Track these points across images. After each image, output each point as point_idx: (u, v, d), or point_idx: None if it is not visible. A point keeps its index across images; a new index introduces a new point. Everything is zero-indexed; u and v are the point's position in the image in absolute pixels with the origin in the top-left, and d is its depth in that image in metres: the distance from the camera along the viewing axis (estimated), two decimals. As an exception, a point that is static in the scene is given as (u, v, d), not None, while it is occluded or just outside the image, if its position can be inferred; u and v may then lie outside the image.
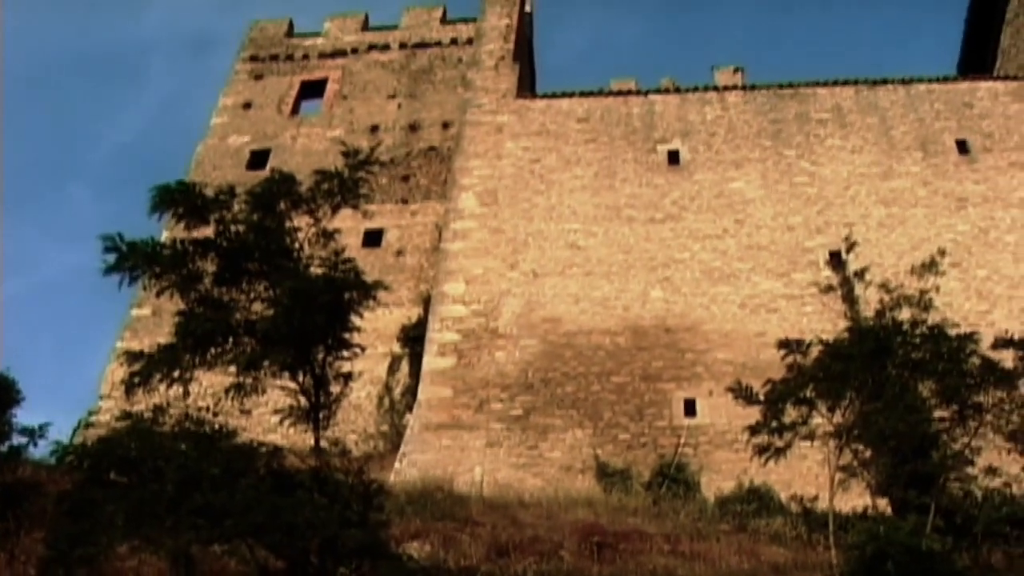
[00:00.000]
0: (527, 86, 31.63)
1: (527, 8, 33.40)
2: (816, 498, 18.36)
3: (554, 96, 28.85)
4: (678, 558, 15.77)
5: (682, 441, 21.15)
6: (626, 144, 27.15)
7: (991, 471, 17.45)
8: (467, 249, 24.50)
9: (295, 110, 34.91)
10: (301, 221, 13.23)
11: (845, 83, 29.16)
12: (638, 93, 28.81)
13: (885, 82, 29.13)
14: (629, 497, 18.79)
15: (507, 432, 21.26)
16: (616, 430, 21.37)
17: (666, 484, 19.60)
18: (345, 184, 13.35)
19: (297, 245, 13.05)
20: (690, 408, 21.86)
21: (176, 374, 12.31)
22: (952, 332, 16.67)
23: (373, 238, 29.08)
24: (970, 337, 16.61)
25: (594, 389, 22.05)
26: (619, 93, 28.82)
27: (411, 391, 23.41)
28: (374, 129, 32.70)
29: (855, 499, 17.64)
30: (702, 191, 26.13)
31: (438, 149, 31.37)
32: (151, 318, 27.07)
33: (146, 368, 12.24)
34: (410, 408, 22.84)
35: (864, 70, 79.80)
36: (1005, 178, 26.40)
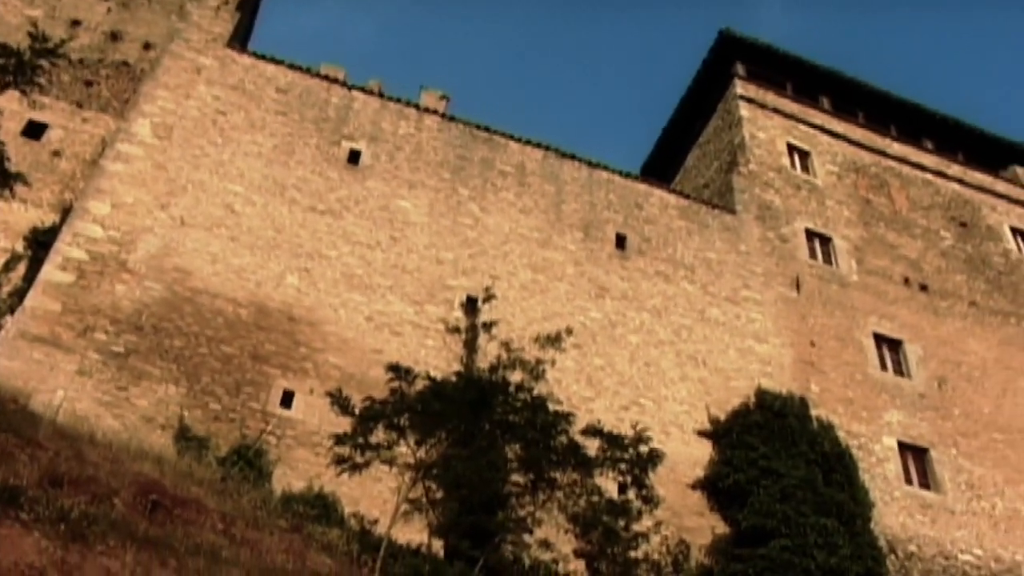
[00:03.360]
0: (240, 39, 31.19)
1: (266, -38, 33.09)
2: (377, 522, 19.13)
3: (262, 58, 28.53)
4: (227, 539, 15.64)
5: (269, 428, 21.24)
6: (314, 129, 27.29)
7: (546, 544, 18.70)
8: (125, 174, 23.87)
9: (3, -24, 32.85)
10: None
11: (538, 145, 30.37)
12: (343, 84, 29.01)
13: (574, 158, 30.54)
14: (200, 467, 18.61)
15: (102, 366, 20.77)
16: (209, 398, 21.23)
17: (240, 465, 19.62)
18: (22, 66, 13.06)
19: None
20: (287, 400, 22.02)
21: None
22: (552, 407, 17.93)
23: (35, 130, 27.60)
24: (566, 417, 17.81)
25: (201, 351, 21.83)
26: (325, 78, 28.88)
27: (20, 294, 22.48)
28: (75, 23, 31.17)
29: (414, 533, 18.39)
30: (369, 198, 26.50)
31: (132, 67, 30.30)
32: None
33: None
34: (12, 311, 21.98)
35: (563, 135, 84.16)
36: (648, 283, 28.39)
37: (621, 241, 29.21)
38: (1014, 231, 38.42)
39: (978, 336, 33.04)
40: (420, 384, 17.39)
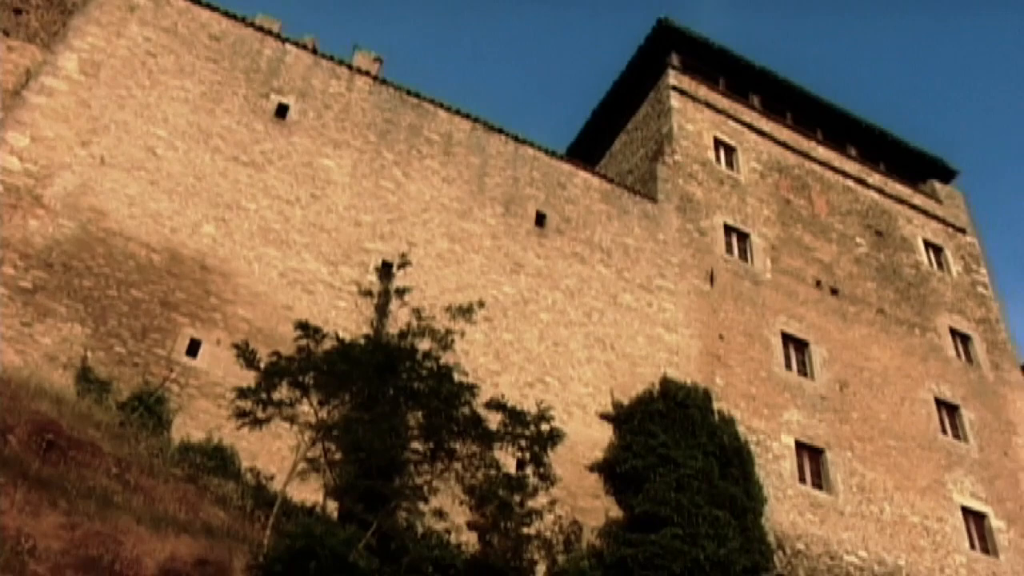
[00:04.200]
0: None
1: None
2: (273, 478, 19.21)
3: (197, 2, 28.00)
4: (121, 485, 15.69)
5: (172, 376, 21.16)
6: (244, 79, 27.05)
7: (440, 514, 18.78)
8: (48, 108, 23.49)
9: None
10: None
11: (467, 116, 30.43)
12: (277, 37, 28.74)
13: (501, 132, 30.69)
14: (100, 410, 18.53)
15: (8, 300, 20.46)
16: (115, 341, 21.07)
17: (140, 411, 19.52)
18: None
19: None
20: (193, 349, 21.95)
21: None
22: (458, 378, 18.12)
23: (-43, 56, 27.23)
24: (471, 389, 18.02)
25: (110, 294, 21.62)
26: (260, 29, 28.56)
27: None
28: (7, -48, 30.63)
29: (310, 493, 18.51)
30: (293, 154, 26.41)
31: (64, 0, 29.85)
32: None
33: None
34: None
35: (493, 108, 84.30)
36: (564, 263, 28.70)
37: (541, 219, 29.44)
38: (927, 244, 39.34)
39: (882, 343, 33.84)
40: (328, 344, 17.49)
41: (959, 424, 33.53)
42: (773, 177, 36.60)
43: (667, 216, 31.93)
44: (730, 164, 35.93)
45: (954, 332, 36.59)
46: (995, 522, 31.23)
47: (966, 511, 31.07)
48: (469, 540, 20.86)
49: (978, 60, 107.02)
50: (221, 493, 17.84)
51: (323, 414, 17.18)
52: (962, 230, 41.29)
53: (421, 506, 18.91)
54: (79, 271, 21.73)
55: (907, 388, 33.13)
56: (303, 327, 17.61)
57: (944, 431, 32.96)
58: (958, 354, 35.99)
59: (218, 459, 19.33)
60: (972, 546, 30.35)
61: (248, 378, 17.36)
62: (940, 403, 33.66)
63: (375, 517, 17.23)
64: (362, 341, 18.04)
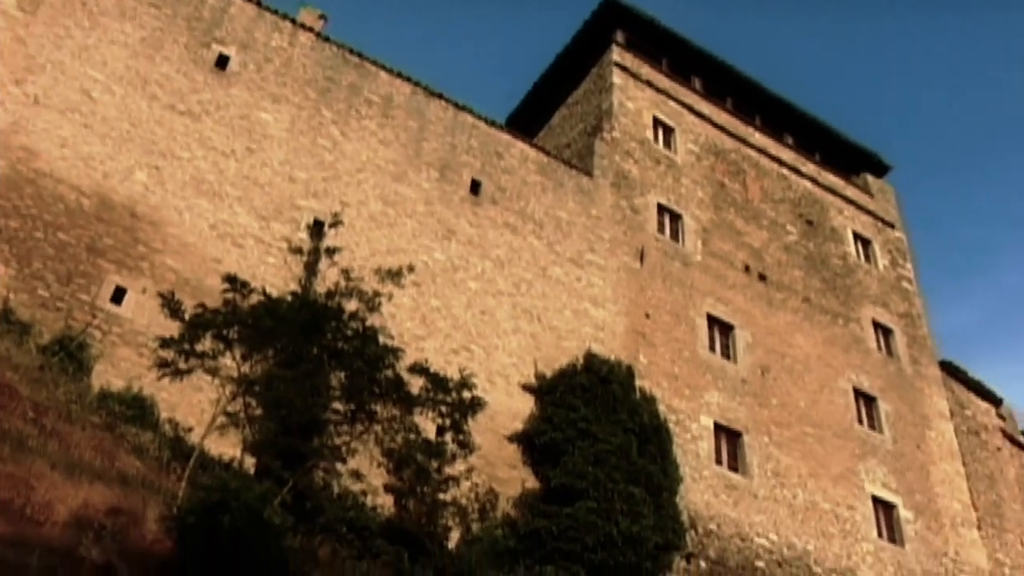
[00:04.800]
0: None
1: None
2: (191, 431, 19.24)
3: (141, -55, 27.81)
4: (37, 429, 15.59)
5: (95, 322, 21.01)
6: (186, 27, 26.72)
7: (357, 475, 18.98)
8: (-19, 45, 23.22)
9: None
10: None
11: (408, 79, 30.32)
12: (222, -13, 28.52)
13: (441, 97, 30.65)
14: (19, 352, 18.34)
15: (-71, 236, 20.36)
16: (38, 283, 20.86)
17: (61, 356, 19.35)
18: None
19: None
20: (118, 296, 21.75)
21: None
22: (383, 341, 18.21)
23: None
24: (395, 352, 18.12)
25: (37, 236, 21.36)
26: (205, -23, 28.38)
27: None
28: None
29: (228, 447, 18.55)
30: (231, 106, 26.21)
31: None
32: None
33: None
34: None
35: (435, 72, 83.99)
36: (495, 232, 28.81)
37: (476, 187, 29.51)
38: (856, 236, 39.98)
39: (806, 332, 34.41)
40: (255, 299, 17.45)
41: (875, 415, 34.23)
42: (709, 160, 36.95)
43: (602, 192, 32.15)
44: (668, 144, 36.21)
45: (877, 325, 37.27)
46: (904, 512, 31.97)
47: (876, 500, 31.77)
48: (385, 503, 21.06)
49: (920, 61, 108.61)
50: (138, 443, 17.78)
51: (245, 369, 17.15)
52: (891, 225, 42.00)
53: (339, 467, 19.09)
54: (6, 211, 21.43)
55: (827, 377, 33.73)
56: (231, 280, 17.55)
57: (860, 421, 33.64)
58: (879, 346, 36.69)
59: (137, 408, 19.27)
60: (880, 535, 31.06)
61: (172, 329, 17.27)
62: (858, 393, 34.34)
63: (292, 475, 17.38)
64: (289, 298, 17.98)
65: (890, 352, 36.89)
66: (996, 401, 40.68)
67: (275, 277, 23.13)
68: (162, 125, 24.81)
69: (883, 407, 34.50)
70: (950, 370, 39.02)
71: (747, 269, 34.41)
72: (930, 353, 38.45)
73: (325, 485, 19.61)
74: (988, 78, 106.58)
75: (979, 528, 34.20)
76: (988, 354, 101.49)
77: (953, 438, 36.13)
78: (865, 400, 34.43)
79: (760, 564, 27.38)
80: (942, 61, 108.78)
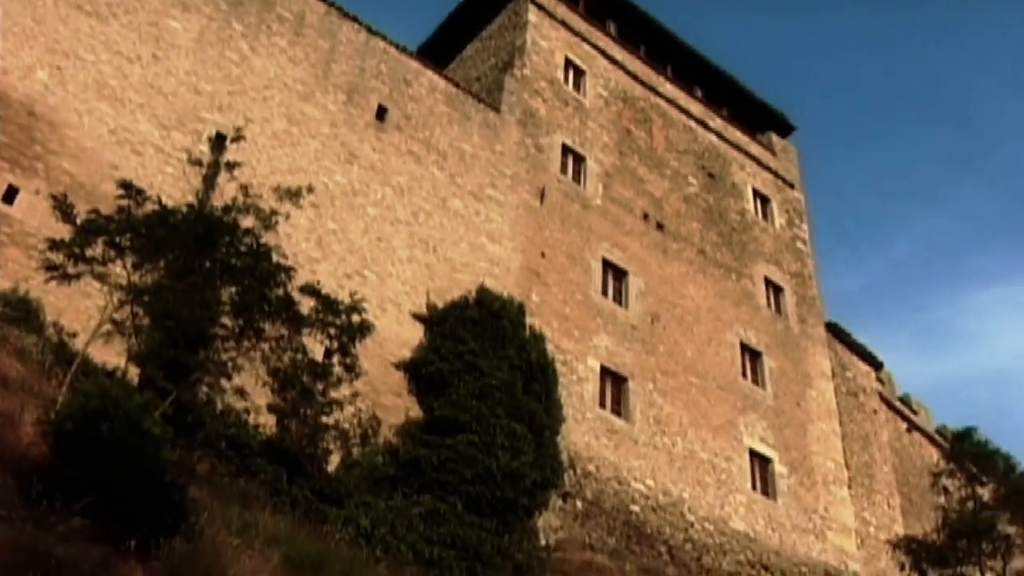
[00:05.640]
0: None
1: None
2: (76, 336, 19.17)
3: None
4: None
5: (-16, 221, 20.73)
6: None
7: (241, 393, 19.00)
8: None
9: None
10: None
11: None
12: None
13: (355, 20, 30.47)
14: None
15: None
16: (-74, 176, 20.51)
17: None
18: None
19: None
20: (10, 196, 21.43)
21: None
22: (276, 259, 18.28)
23: None
24: (287, 271, 18.24)
25: (-73, 127, 21.01)
26: None
27: None
28: None
29: (112, 356, 18.40)
30: (140, 10, 25.78)
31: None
32: None
33: None
34: None
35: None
36: (398, 160, 28.79)
37: (382, 113, 29.44)
38: (756, 193, 40.75)
39: (698, 283, 35.09)
40: (149, 208, 17.39)
41: (760, 370, 35.13)
42: (617, 106, 37.28)
43: (508, 128, 32.33)
44: (577, 87, 36.45)
45: (768, 282, 38.16)
46: (779, 467, 32.96)
47: (753, 454, 32.71)
48: (267, 422, 21.12)
49: (838, 34, 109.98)
50: (21, 345, 17.64)
51: (135, 278, 17.06)
52: (791, 185, 42.86)
53: (223, 383, 19.07)
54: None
55: (716, 329, 34.49)
56: (126, 187, 17.43)
57: (744, 375, 34.50)
58: (769, 304, 37.56)
59: (22, 311, 19.09)
60: (754, 487, 32.00)
61: (64, 232, 17.07)
62: (745, 348, 35.18)
63: (176, 388, 17.32)
64: (185, 210, 17.92)
65: (779, 310, 37.77)
66: (877, 365, 42.00)
67: (172, 188, 22.81)
68: (67, 24, 24.33)
69: (768, 363, 35.37)
70: (835, 331, 40.14)
71: (646, 217, 34.90)
72: (817, 313, 39.47)
73: (208, 401, 19.60)
74: (902, 54, 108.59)
75: (849, 487, 35.38)
76: (873, 320, 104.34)
77: (832, 398, 37.23)
78: (751, 355, 35.27)
79: (635, 508, 27.99)
80: (862, 35, 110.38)
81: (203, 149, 24.36)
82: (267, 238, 18.20)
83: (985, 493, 30.30)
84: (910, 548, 30.57)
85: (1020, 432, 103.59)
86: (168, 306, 17.18)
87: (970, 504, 29.81)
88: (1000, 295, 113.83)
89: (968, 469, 30.65)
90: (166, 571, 12.61)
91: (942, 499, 32.01)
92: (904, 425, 43.29)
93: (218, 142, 24.61)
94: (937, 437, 43.69)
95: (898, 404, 43.65)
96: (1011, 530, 28.97)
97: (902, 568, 31.31)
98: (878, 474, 37.98)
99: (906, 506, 38.83)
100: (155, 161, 23.97)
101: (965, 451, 31.13)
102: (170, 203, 18.19)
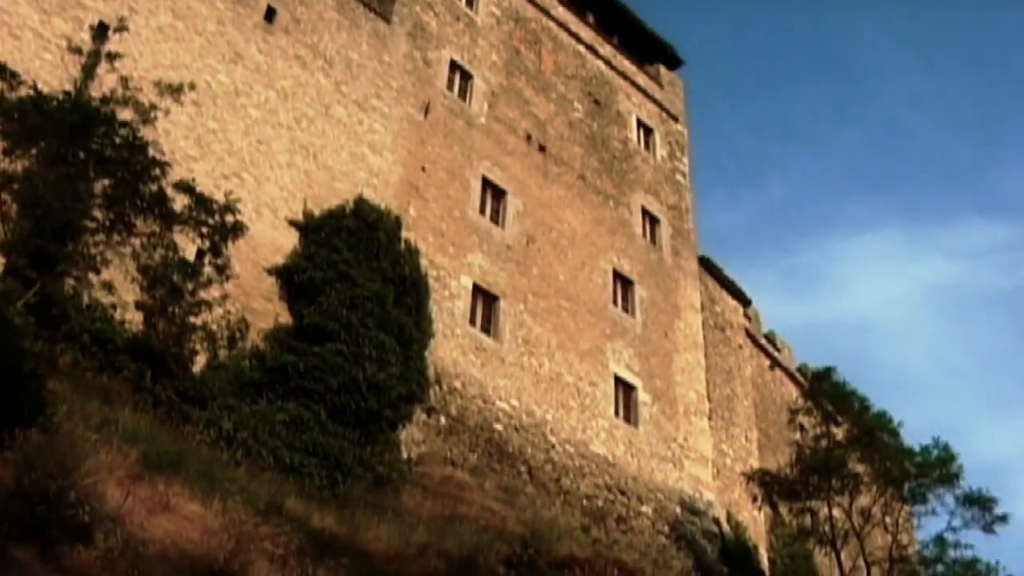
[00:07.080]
0: None
1: None
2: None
3: None
4: None
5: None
6: None
7: (109, 288, 19.07)
8: None
9: None
10: None
11: None
12: None
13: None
14: None
15: None
16: None
17: None
18: None
19: None
20: None
21: None
22: (152, 154, 18.24)
23: None
24: (162, 166, 18.27)
25: None
26: None
27: None
28: None
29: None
30: None
31: None
32: None
33: None
34: None
35: None
36: (284, 63, 28.54)
37: (271, 14, 29.03)
38: (639, 123, 41.23)
39: (576, 208, 35.54)
40: (24, 92, 17.22)
41: (630, 299, 35.76)
42: (508, 25, 37.35)
43: (397, 39, 32.25)
44: (470, 3, 36.38)
45: (645, 212, 38.73)
46: (642, 395, 33.75)
47: (618, 380, 33.39)
48: (134, 320, 21.08)
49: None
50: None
51: (5, 164, 16.96)
52: (675, 118, 43.45)
53: (91, 277, 19.03)
54: None
55: (590, 255, 35.03)
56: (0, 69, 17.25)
57: (615, 303, 35.11)
58: (644, 234, 38.17)
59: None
60: (617, 413, 32.69)
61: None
62: (617, 276, 35.75)
63: (41, 278, 17.28)
64: (61, 97, 17.77)
65: (654, 240, 38.41)
66: (745, 301, 43.17)
67: (50, 75, 22.34)
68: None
69: (639, 292, 36.02)
70: (707, 266, 41.08)
71: (529, 139, 35.17)
72: (691, 247, 40.28)
73: (74, 294, 19.51)
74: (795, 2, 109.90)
75: (710, 419, 36.41)
76: (744, 259, 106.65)
77: (700, 330, 38.14)
78: (623, 283, 35.86)
79: (498, 427, 28.46)
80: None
81: (84, 37, 23.73)
82: (145, 132, 18.19)
83: (839, 432, 31.65)
84: (763, 481, 31.87)
85: (876, 377, 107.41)
86: (38, 195, 17.06)
87: (824, 442, 31.13)
88: (867, 243, 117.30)
89: (825, 408, 31.96)
90: (20, 462, 12.70)
91: (798, 435, 33.37)
92: (767, 362, 44.59)
93: (100, 31, 24.03)
94: (798, 375, 45.07)
95: (763, 341, 44.92)
96: (860, 468, 30.36)
97: (754, 500, 32.63)
98: (738, 407, 39.21)
99: (763, 440, 40.16)
100: (34, 46, 23.28)
101: (823, 390, 32.44)
102: (46, 90, 18.02)
